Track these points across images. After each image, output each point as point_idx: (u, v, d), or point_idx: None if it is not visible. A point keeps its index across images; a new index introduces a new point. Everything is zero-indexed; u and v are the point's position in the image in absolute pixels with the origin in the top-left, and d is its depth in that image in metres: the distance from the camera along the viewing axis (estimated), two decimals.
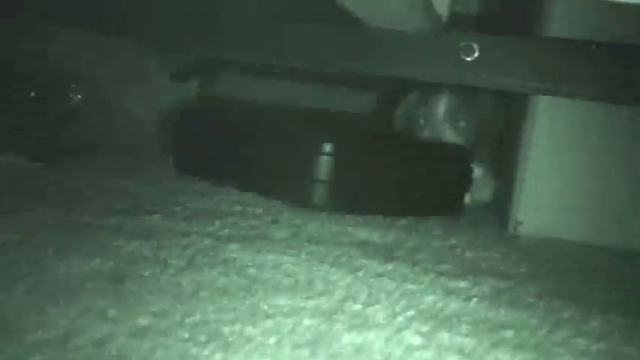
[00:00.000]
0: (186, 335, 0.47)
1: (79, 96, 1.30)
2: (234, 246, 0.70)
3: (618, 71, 0.84)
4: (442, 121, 1.23)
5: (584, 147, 0.95)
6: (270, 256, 0.68)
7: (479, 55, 0.88)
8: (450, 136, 1.21)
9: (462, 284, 0.67)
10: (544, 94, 0.92)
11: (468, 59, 0.89)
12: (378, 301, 0.59)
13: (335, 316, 0.54)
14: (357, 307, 0.57)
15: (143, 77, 1.43)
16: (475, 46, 0.88)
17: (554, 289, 0.69)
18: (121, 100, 1.38)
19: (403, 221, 0.94)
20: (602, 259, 0.88)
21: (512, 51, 0.88)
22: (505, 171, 1.14)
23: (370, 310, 0.56)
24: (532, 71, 0.87)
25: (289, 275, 0.63)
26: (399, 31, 0.90)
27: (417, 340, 0.51)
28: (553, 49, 0.87)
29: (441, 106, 1.24)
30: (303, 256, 0.70)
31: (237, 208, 0.89)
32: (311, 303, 0.57)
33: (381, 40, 0.91)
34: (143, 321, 0.49)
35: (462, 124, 1.23)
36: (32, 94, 1.26)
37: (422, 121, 1.25)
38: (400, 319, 0.55)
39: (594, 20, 0.90)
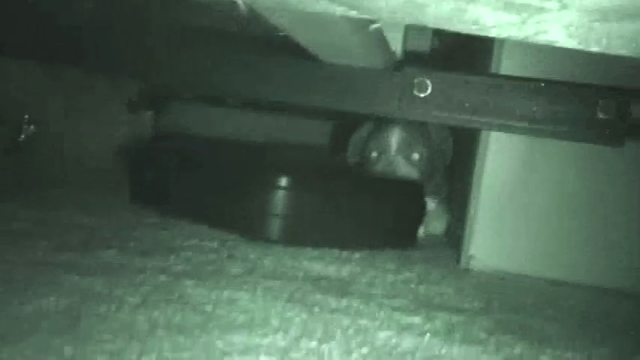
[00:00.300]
0: None
1: (31, 127, 1.29)
2: (189, 282, 0.70)
3: (566, 109, 0.87)
4: (395, 154, 1.25)
5: (536, 181, 0.97)
6: (226, 293, 0.68)
7: (432, 91, 0.90)
8: (403, 169, 1.23)
9: (416, 320, 0.68)
10: (495, 130, 0.94)
11: (422, 95, 0.90)
12: (333, 338, 0.59)
13: (291, 354, 0.55)
14: (313, 344, 0.57)
15: (98, 108, 1.43)
16: (428, 82, 0.90)
17: (505, 323, 0.71)
18: (75, 131, 1.37)
19: (357, 255, 0.94)
20: (554, 293, 0.90)
21: (464, 87, 0.90)
22: (458, 204, 1.16)
23: (325, 347, 0.57)
24: (483, 108, 0.89)
25: (245, 312, 0.63)
26: (353, 66, 0.91)
27: None
28: (504, 86, 0.89)
29: (394, 139, 1.25)
30: (259, 292, 0.70)
31: (193, 242, 0.89)
32: (266, 340, 0.57)
33: (336, 75, 0.92)
34: None
35: (415, 156, 1.25)
36: None
37: (374, 154, 1.26)
38: (355, 355, 0.56)
39: (543, 59, 0.93)
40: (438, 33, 1.37)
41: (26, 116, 1.29)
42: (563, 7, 0.41)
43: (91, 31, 1.01)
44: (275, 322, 0.62)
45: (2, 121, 1.26)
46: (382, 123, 1.28)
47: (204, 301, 0.65)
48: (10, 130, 1.27)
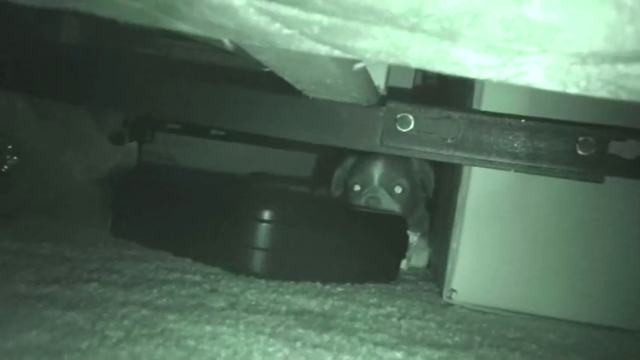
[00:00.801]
0: None
1: (14, 158, 1.29)
2: (172, 316, 0.70)
3: (547, 145, 0.88)
4: (377, 187, 1.26)
5: (518, 216, 0.98)
6: (209, 327, 0.68)
7: (414, 127, 0.91)
8: (385, 202, 1.24)
9: (398, 355, 0.68)
10: (477, 166, 0.95)
11: (404, 130, 0.91)
12: None
13: None
14: None
15: (82, 139, 1.43)
16: (411, 117, 0.91)
17: (487, 358, 0.71)
18: (58, 162, 1.37)
19: (340, 288, 0.95)
20: (535, 328, 0.90)
21: (446, 123, 0.91)
22: (439, 237, 1.16)
23: None
24: (465, 143, 0.90)
25: (227, 347, 0.63)
26: (337, 102, 0.92)
27: None
28: (485, 122, 0.90)
29: (376, 172, 1.26)
30: (242, 326, 0.70)
31: (176, 275, 0.89)
32: None
33: (320, 110, 0.93)
34: None
35: (397, 189, 1.26)
36: None
37: (357, 188, 1.27)
38: None
39: (524, 96, 0.94)
40: (421, 70, 1.39)
41: (9, 147, 1.29)
42: (543, 50, 0.42)
43: (74, 64, 1.02)
44: (257, 356, 0.62)
45: None
46: (365, 156, 1.29)
47: (187, 335, 0.65)
48: None
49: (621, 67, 0.43)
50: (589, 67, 0.44)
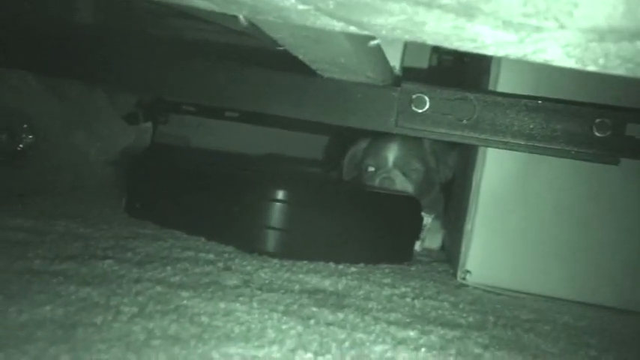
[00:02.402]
0: None
1: (30, 137, 1.29)
2: (186, 293, 0.71)
3: (563, 127, 0.87)
4: (392, 169, 1.26)
5: (533, 197, 0.98)
6: (222, 304, 0.69)
7: (429, 107, 0.91)
8: (400, 183, 1.24)
9: (411, 334, 0.68)
10: (492, 147, 0.94)
11: (419, 111, 0.91)
12: (328, 351, 0.60)
13: None
14: (308, 356, 0.58)
15: (96, 119, 1.43)
16: (426, 98, 0.90)
17: (500, 339, 0.71)
18: (73, 142, 1.38)
19: (353, 269, 0.95)
20: (549, 310, 0.90)
21: (461, 104, 0.90)
22: (454, 219, 1.16)
23: (321, 359, 0.57)
24: (480, 124, 0.89)
25: (241, 323, 0.64)
26: (352, 81, 0.92)
27: None
28: (501, 103, 0.89)
29: (390, 154, 1.26)
30: (255, 304, 0.70)
31: (189, 253, 0.90)
32: (262, 352, 0.57)
33: (334, 90, 0.93)
34: None
35: (412, 171, 1.26)
36: None
37: (371, 169, 1.27)
38: None
39: (541, 77, 0.94)
40: (437, 50, 1.38)
41: (25, 126, 1.30)
42: (561, 26, 0.42)
43: (90, 44, 1.02)
44: (271, 334, 0.62)
45: (2, 131, 1.26)
46: (379, 138, 1.29)
47: (201, 312, 0.65)
48: (9, 139, 1.27)
49: None
50: (607, 44, 0.44)
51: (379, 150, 1.28)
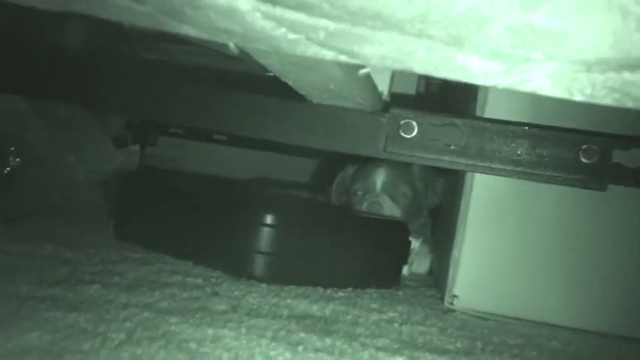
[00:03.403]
0: None
1: (17, 160, 1.29)
2: (174, 319, 0.70)
3: (550, 153, 0.88)
4: (380, 193, 1.26)
5: (521, 222, 0.98)
6: (210, 330, 0.68)
7: (417, 133, 0.91)
8: (388, 208, 1.24)
9: None
10: (479, 172, 0.95)
11: (408, 136, 0.91)
12: None
13: None
14: None
15: (85, 142, 1.43)
16: (414, 123, 0.91)
17: None
18: (62, 164, 1.37)
19: (341, 293, 0.95)
20: (536, 335, 0.90)
21: (449, 129, 0.91)
22: (441, 244, 1.16)
23: None
24: (468, 150, 0.90)
25: (229, 350, 0.63)
26: (341, 107, 0.92)
27: None
28: (488, 129, 0.90)
29: (378, 178, 1.27)
30: (243, 330, 0.70)
31: (177, 278, 0.89)
32: None
33: (323, 116, 0.93)
34: None
35: (400, 196, 1.26)
36: None
37: (359, 193, 1.27)
38: None
39: (528, 104, 0.94)
40: (425, 76, 1.39)
41: (12, 148, 1.29)
42: (549, 57, 0.42)
43: (79, 68, 1.02)
44: None
45: None
46: (367, 163, 1.29)
47: (189, 338, 0.65)
48: (0, 161, 1.27)
49: (627, 75, 0.43)
50: (594, 74, 0.44)
51: (367, 175, 1.28)
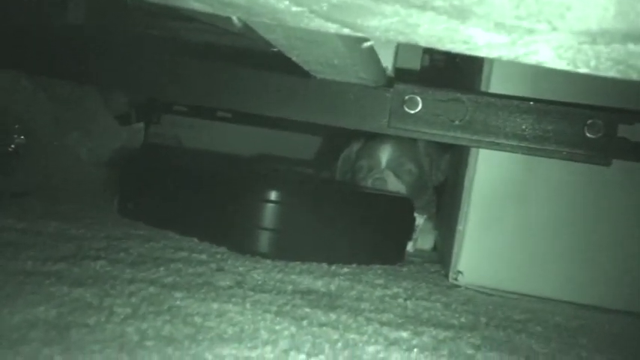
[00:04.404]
0: None
1: (21, 137, 1.29)
2: (179, 294, 0.71)
3: (554, 128, 0.88)
4: (385, 170, 1.26)
5: (525, 199, 0.98)
6: (215, 305, 0.69)
7: (422, 108, 0.91)
8: (392, 184, 1.24)
9: (404, 334, 0.68)
10: (484, 148, 0.94)
11: (412, 112, 0.91)
12: (321, 352, 0.60)
13: None
14: (301, 357, 0.58)
15: (89, 120, 1.43)
16: (418, 99, 0.91)
17: (492, 339, 0.71)
18: (66, 142, 1.37)
19: (346, 269, 0.95)
20: (540, 310, 0.90)
21: (453, 105, 0.91)
22: (446, 220, 1.16)
23: None
24: (472, 125, 0.90)
25: (234, 324, 0.64)
26: (345, 82, 0.92)
27: None
28: (493, 104, 0.90)
29: (384, 155, 1.26)
30: (248, 304, 0.70)
31: (182, 254, 0.90)
32: (255, 353, 0.57)
33: (327, 91, 0.93)
34: None
35: (405, 172, 1.26)
36: None
37: (364, 169, 1.27)
38: None
39: (533, 79, 0.94)
40: (429, 51, 1.38)
41: (16, 126, 1.29)
42: (553, 29, 0.42)
43: (83, 44, 1.02)
44: (264, 334, 0.62)
45: None
46: (372, 139, 1.29)
47: (194, 313, 0.65)
48: (1, 139, 1.27)
49: (632, 46, 0.43)
50: (599, 46, 0.44)
51: (372, 151, 1.28)
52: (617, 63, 0.46)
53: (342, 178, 1.36)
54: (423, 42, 0.50)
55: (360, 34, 0.51)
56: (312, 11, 0.47)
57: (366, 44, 0.66)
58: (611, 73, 0.48)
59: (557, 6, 0.39)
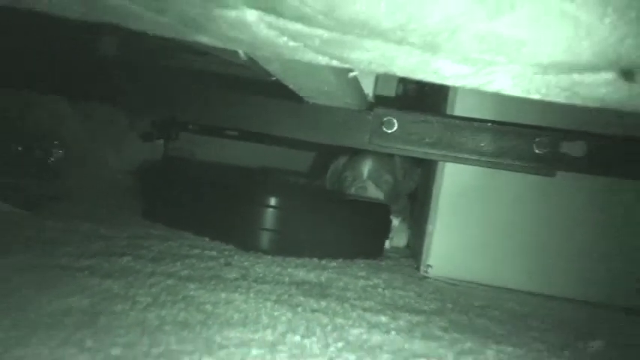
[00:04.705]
0: None
1: (60, 151, 1.28)
2: (192, 285, 0.70)
3: (509, 145, 0.88)
4: (366, 180, 1.25)
5: (485, 203, 0.98)
6: (224, 294, 0.68)
7: (397, 128, 0.91)
8: (372, 191, 1.23)
9: (383, 319, 0.67)
10: (449, 162, 0.94)
11: (389, 131, 0.90)
12: (314, 334, 0.59)
13: (278, 347, 0.54)
14: (297, 338, 0.57)
15: (117, 137, 1.42)
16: (394, 120, 0.90)
17: (457, 323, 0.71)
18: (97, 156, 1.37)
19: (334, 263, 0.94)
20: (498, 298, 0.89)
21: (424, 125, 0.90)
22: (418, 221, 1.16)
23: (307, 341, 0.57)
24: (440, 142, 0.89)
25: (240, 311, 0.63)
26: (333, 107, 0.92)
27: None
28: (457, 125, 0.89)
29: (365, 167, 1.26)
30: (252, 294, 0.69)
31: (196, 251, 0.89)
32: (258, 335, 0.56)
33: (318, 114, 0.93)
34: (115, 351, 0.48)
35: (382, 182, 1.26)
36: (19, 149, 1.24)
37: (349, 180, 1.27)
38: (332, 349, 0.56)
39: (490, 103, 0.94)
40: (402, 80, 1.38)
41: (56, 142, 1.28)
42: (510, 61, 0.41)
43: (113, 74, 1.01)
44: (265, 319, 0.61)
45: (37, 146, 1.25)
46: (356, 154, 1.29)
47: (205, 301, 0.64)
48: (42, 153, 1.26)
49: (576, 76, 0.43)
50: (549, 76, 0.44)
51: (356, 164, 1.28)
52: (564, 90, 0.46)
53: (331, 186, 1.35)
54: (400, 72, 0.49)
55: (346, 66, 0.51)
56: (306, 46, 0.46)
57: (352, 74, 0.66)
58: (560, 99, 0.48)
59: (515, 42, 0.38)
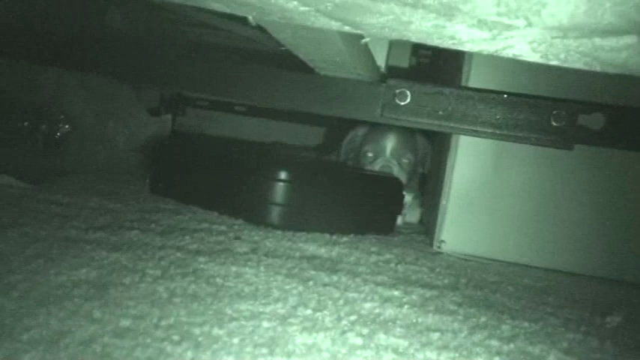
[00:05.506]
0: (162, 335, 0.47)
1: (66, 126, 1.28)
2: (202, 258, 0.70)
3: (524, 117, 0.87)
4: (390, 158, 1.24)
5: (498, 179, 0.97)
6: (234, 268, 0.68)
7: (410, 100, 0.90)
8: (397, 171, 1.23)
9: (396, 293, 0.67)
10: (463, 134, 0.94)
11: (402, 104, 0.90)
12: (325, 307, 0.59)
13: (289, 320, 0.54)
14: (308, 312, 0.57)
15: (124, 112, 1.42)
16: (408, 92, 0.90)
17: (471, 298, 0.71)
18: (104, 131, 1.37)
19: (345, 238, 0.94)
20: (512, 273, 0.89)
21: (438, 97, 0.90)
22: (431, 197, 1.16)
23: (319, 314, 0.57)
24: (453, 115, 0.89)
25: (250, 284, 0.63)
26: (344, 78, 0.91)
27: (358, 341, 0.52)
28: (471, 97, 0.89)
29: (389, 143, 1.25)
30: (262, 268, 0.70)
31: (205, 225, 0.89)
32: (269, 308, 0.57)
33: (329, 86, 0.92)
34: (125, 323, 0.48)
35: (405, 161, 1.25)
36: (25, 124, 1.24)
37: (370, 155, 1.26)
38: (344, 322, 0.56)
39: (506, 74, 0.93)
40: (415, 52, 1.37)
41: (62, 117, 1.28)
42: (529, 25, 0.41)
43: (119, 47, 1.01)
44: (276, 293, 0.61)
45: (42, 121, 1.25)
46: (377, 128, 1.27)
47: (215, 274, 0.65)
48: (49, 128, 1.26)
49: (597, 40, 0.42)
50: (569, 40, 0.43)
51: (378, 138, 1.26)
52: (584, 56, 0.45)
53: (346, 158, 1.34)
54: (414, 38, 0.48)
55: (359, 32, 0.50)
56: (317, 10, 0.46)
57: (364, 41, 0.65)
58: (579, 65, 0.47)
59: (534, 3, 0.38)
